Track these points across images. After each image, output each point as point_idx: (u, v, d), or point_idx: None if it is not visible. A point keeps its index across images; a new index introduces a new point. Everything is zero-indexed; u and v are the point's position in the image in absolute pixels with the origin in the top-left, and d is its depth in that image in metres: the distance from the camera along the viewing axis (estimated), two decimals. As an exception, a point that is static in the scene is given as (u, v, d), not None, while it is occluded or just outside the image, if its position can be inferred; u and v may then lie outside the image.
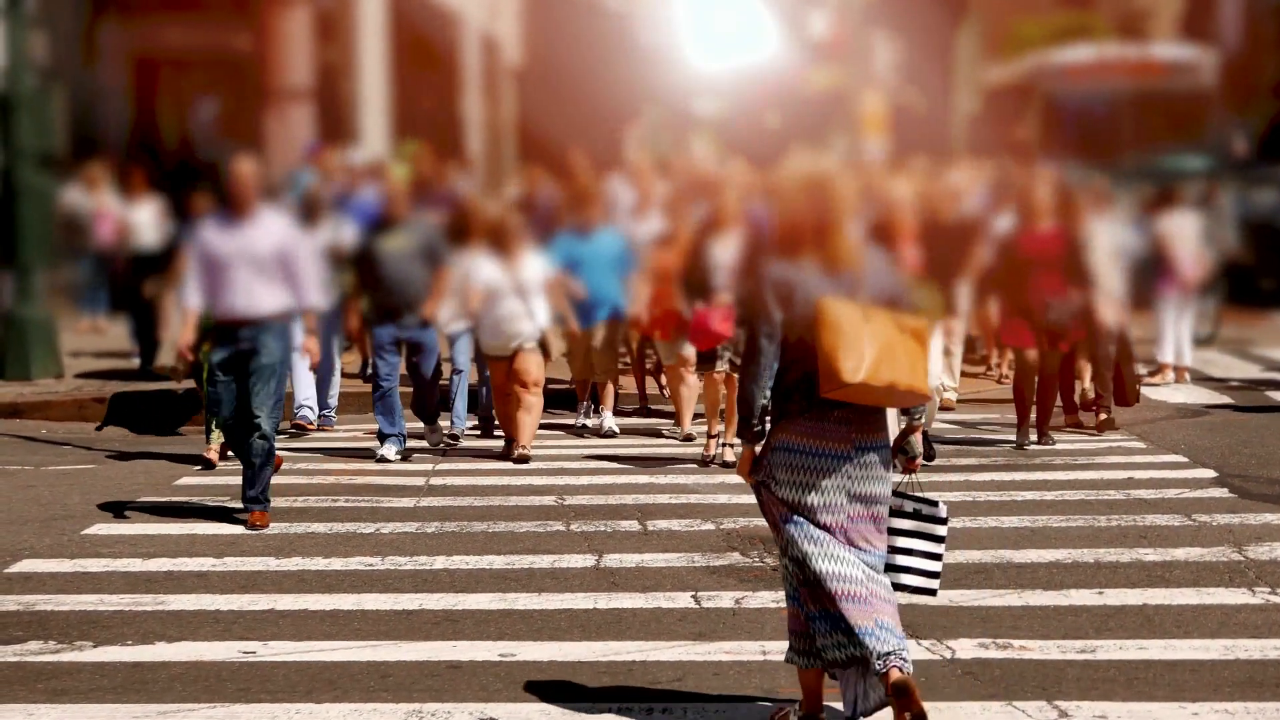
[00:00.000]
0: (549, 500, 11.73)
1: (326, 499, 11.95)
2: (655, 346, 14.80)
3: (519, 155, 36.24)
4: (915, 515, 6.89)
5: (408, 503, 11.78)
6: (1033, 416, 13.82)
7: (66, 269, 21.67)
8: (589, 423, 14.90)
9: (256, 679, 7.67)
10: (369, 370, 14.26)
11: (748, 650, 8.01)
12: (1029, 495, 11.74)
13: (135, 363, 17.76)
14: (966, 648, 7.97)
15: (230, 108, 28.89)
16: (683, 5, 45.97)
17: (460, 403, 14.41)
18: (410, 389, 13.89)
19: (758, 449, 6.67)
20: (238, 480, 11.25)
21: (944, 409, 13.87)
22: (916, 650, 7.56)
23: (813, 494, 6.57)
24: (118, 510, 11.54)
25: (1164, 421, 15.16)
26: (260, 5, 27.91)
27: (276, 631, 8.47)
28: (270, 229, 11.02)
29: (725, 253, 12.80)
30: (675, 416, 14.50)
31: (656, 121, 45.25)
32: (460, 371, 14.41)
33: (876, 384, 6.43)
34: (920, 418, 7.10)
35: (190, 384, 14.06)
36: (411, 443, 13.79)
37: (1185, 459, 13.17)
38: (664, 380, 15.27)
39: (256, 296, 10.92)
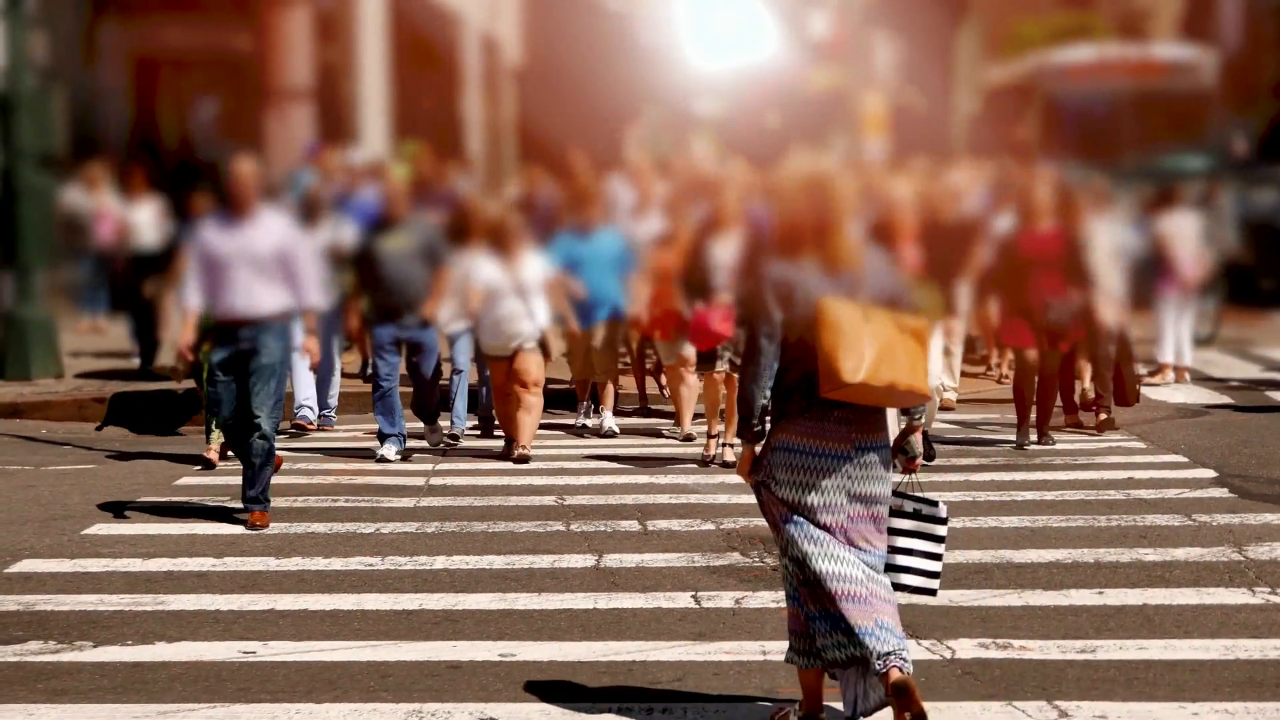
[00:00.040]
0: (549, 500, 11.73)
1: (326, 499, 11.95)
2: (655, 346, 14.79)
3: (519, 155, 36.25)
4: (915, 515, 6.89)
5: (408, 503, 11.78)
6: (1033, 416, 13.81)
7: (66, 269, 21.66)
8: (589, 423, 14.90)
9: (256, 679, 7.67)
10: (369, 370, 14.25)
11: (748, 650, 8.00)
12: (1029, 495, 11.74)
13: (135, 363, 17.75)
14: (966, 648, 7.96)
15: (230, 108, 28.89)
16: (683, 5, 45.99)
17: (460, 403, 14.41)
18: (410, 389, 13.90)
19: (758, 449, 6.67)
20: (238, 480, 11.25)
21: (944, 409, 13.86)
22: (916, 650, 7.55)
23: (813, 494, 6.56)
24: (118, 510, 11.54)
25: (1164, 421, 15.16)
26: (260, 5, 27.89)
27: (276, 631, 8.47)
28: (270, 229, 11.01)
29: (725, 253, 12.80)
30: (675, 416, 14.50)
31: (656, 121, 45.27)
32: (460, 371, 14.40)
33: (876, 384, 6.42)
34: (920, 418, 7.10)
35: (190, 384, 14.05)
36: (411, 443, 13.78)
37: (1185, 459, 13.16)
38: (664, 380, 15.26)
39: (256, 296, 10.92)
